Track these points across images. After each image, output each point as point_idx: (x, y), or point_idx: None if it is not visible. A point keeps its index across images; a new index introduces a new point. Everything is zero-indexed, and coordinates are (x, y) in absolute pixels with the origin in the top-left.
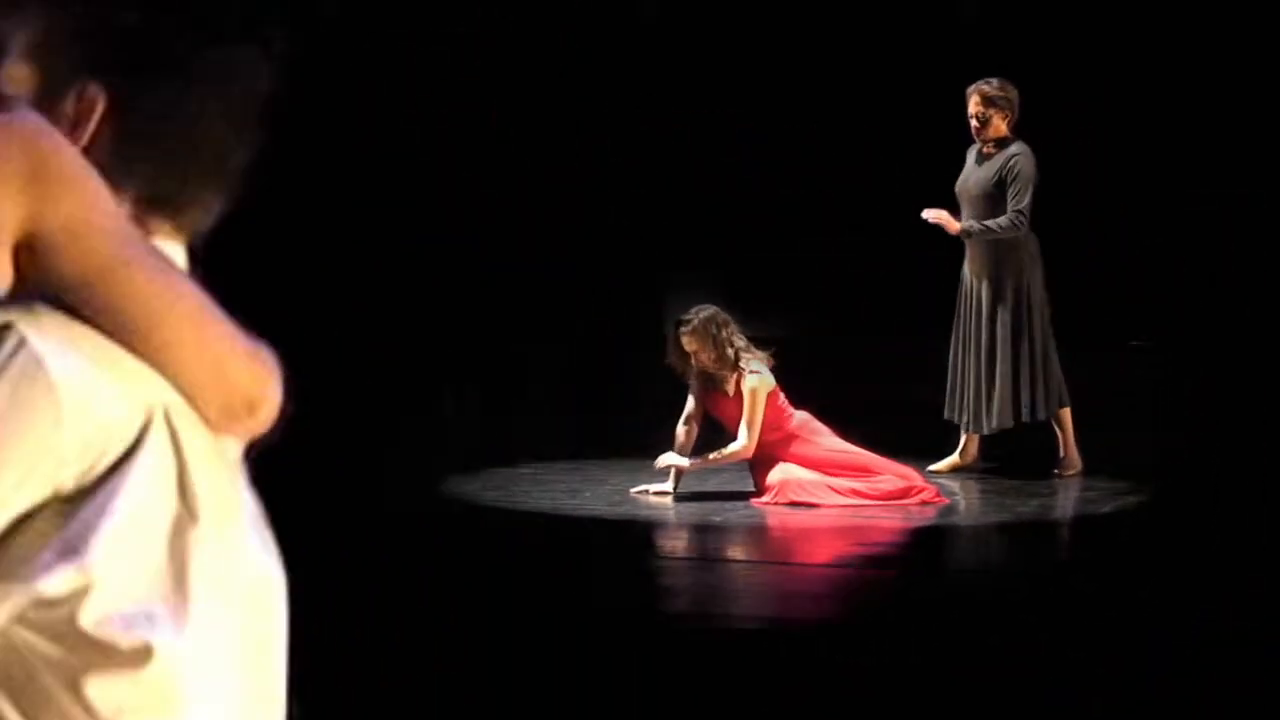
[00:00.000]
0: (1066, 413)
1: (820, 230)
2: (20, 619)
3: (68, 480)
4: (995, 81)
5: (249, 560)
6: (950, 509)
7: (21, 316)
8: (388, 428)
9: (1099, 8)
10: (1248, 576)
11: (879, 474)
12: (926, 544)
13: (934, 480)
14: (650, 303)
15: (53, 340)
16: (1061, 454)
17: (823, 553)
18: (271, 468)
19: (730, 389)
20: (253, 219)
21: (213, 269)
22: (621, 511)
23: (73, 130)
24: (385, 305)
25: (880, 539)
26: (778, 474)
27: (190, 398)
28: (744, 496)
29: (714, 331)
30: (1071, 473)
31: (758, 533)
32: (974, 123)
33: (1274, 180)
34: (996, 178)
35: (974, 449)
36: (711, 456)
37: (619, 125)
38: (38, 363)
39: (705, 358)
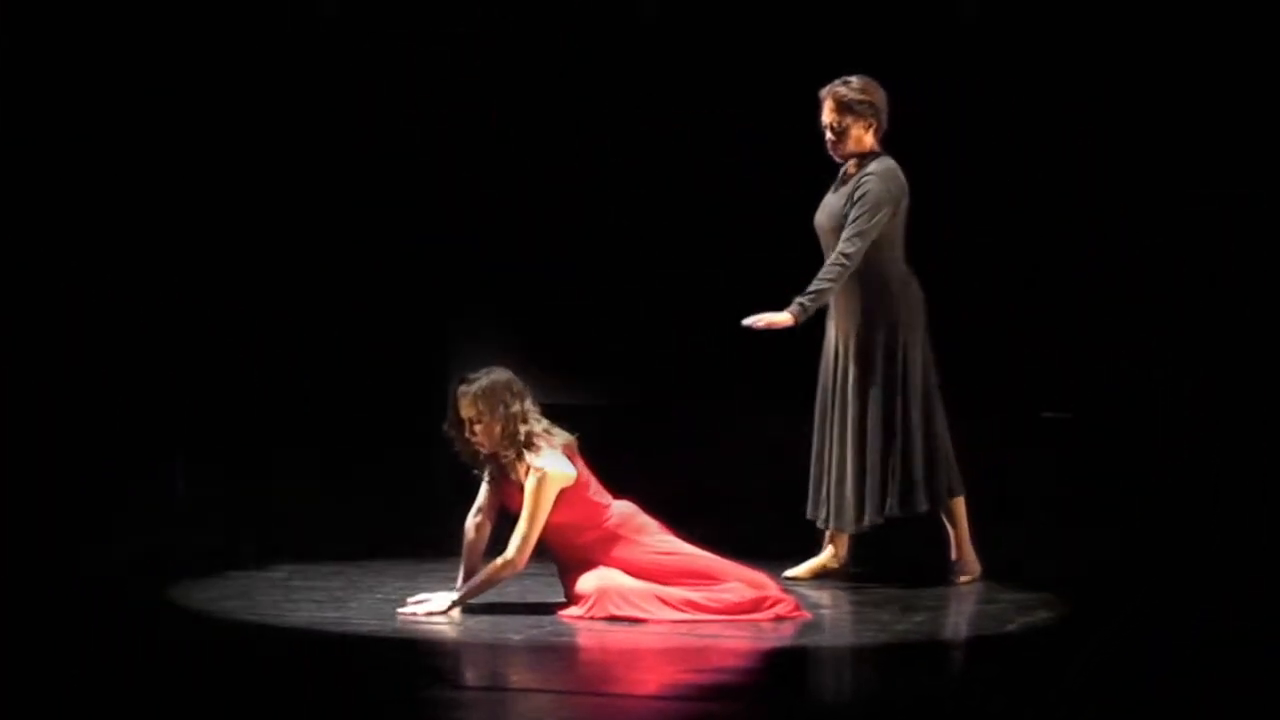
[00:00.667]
0: (960, 503)
1: (644, 270)
2: None
3: None
4: (855, 81)
5: None
6: (812, 626)
7: None
8: (97, 511)
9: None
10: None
11: (722, 581)
12: (781, 670)
13: (792, 589)
14: (439, 354)
15: None
16: (954, 556)
17: (650, 680)
18: None
19: (521, 480)
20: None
21: None
22: (396, 628)
23: None
24: (106, 351)
25: (723, 663)
26: (593, 580)
27: None
28: (551, 609)
29: (504, 401)
30: (967, 579)
31: (567, 655)
32: (828, 135)
33: (1215, 229)
34: (847, 205)
35: (842, 550)
36: (479, 581)
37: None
38: None
39: (485, 433)
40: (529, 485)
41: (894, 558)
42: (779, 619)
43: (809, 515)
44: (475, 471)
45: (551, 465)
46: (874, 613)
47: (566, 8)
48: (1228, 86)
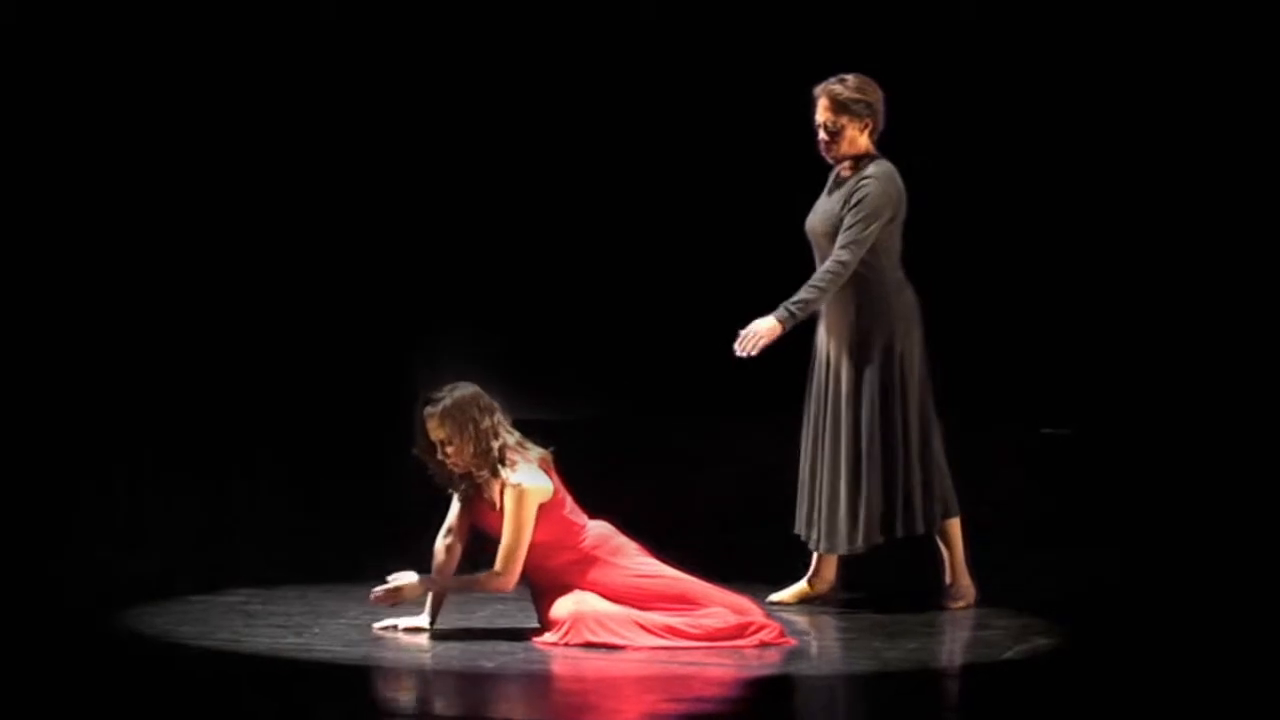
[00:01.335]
0: (955, 525)
1: (623, 276)
2: None
3: None
4: (851, 80)
5: None
6: (798, 653)
7: None
8: (46, 532)
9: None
10: None
11: (704, 606)
12: (767, 700)
13: (777, 615)
14: (408, 368)
15: None
16: (948, 580)
17: (628, 711)
18: None
19: (496, 499)
20: None
21: None
22: (360, 654)
23: None
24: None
25: (705, 693)
26: (569, 605)
27: None
28: (524, 634)
29: (473, 418)
30: (961, 604)
31: (541, 683)
32: (821, 135)
33: (1216, 240)
34: (843, 209)
35: (830, 573)
36: (462, 579)
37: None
38: None
39: (457, 453)
40: (508, 502)
41: (884, 582)
42: (763, 646)
43: (796, 531)
44: (450, 491)
45: (529, 480)
46: (863, 639)
47: (525, 23)
48: (1228, 91)
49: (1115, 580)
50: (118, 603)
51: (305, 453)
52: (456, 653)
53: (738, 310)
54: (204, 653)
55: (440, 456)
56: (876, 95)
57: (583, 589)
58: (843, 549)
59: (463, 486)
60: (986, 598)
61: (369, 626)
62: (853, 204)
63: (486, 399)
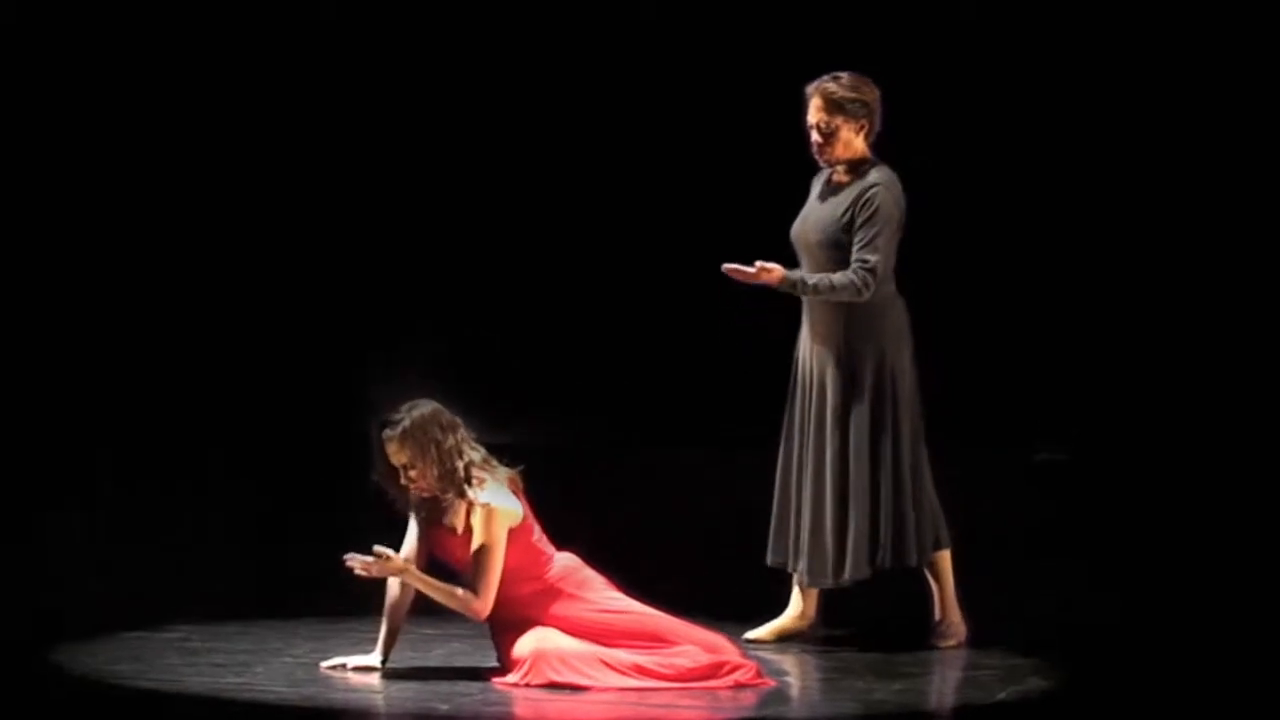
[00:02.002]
0: (945, 557)
1: (594, 291)
2: None
3: None
4: (846, 77)
5: None
6: (777, 695)
7: None
8: None
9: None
10: None
11: (675, 644)
12: None
13: (753, 653)
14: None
15: None
16: (937, 616)
17: None
18: None
19: (459, 522)
20: None
21: None
22: (307, 695)
23: None
24: None
25: None
26: (530, 643)
27: None
28: (483, 674)
29: (435, 438)
30: (951, 643)
31: None
32: (814, 136)
33: (1215, 261)
34: (847, 217)
35: (811, 608)
36: (442, 585)
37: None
38: None
39: (421, 476)
40: (476, 523)
41: (869, 618)
42: (739, 686)
43: (771, 561)
44: (411, 517)
45: (498, 500)
46: (847, 680)
47: (474, 35)
48: (1225, 113)
49: (1113, 617)
50: (46, 638)
51: (252, 480)
52: (410, 694)
53: (710, 332)
54: (137, 694)
55: (403, 481)
56: (873, 95)
57: (545, 624)
58: (827, 582)
59: (423, 514)
60: (978, 635)
61: (316, 665)
62: (865, 215)
63: (448, 415)
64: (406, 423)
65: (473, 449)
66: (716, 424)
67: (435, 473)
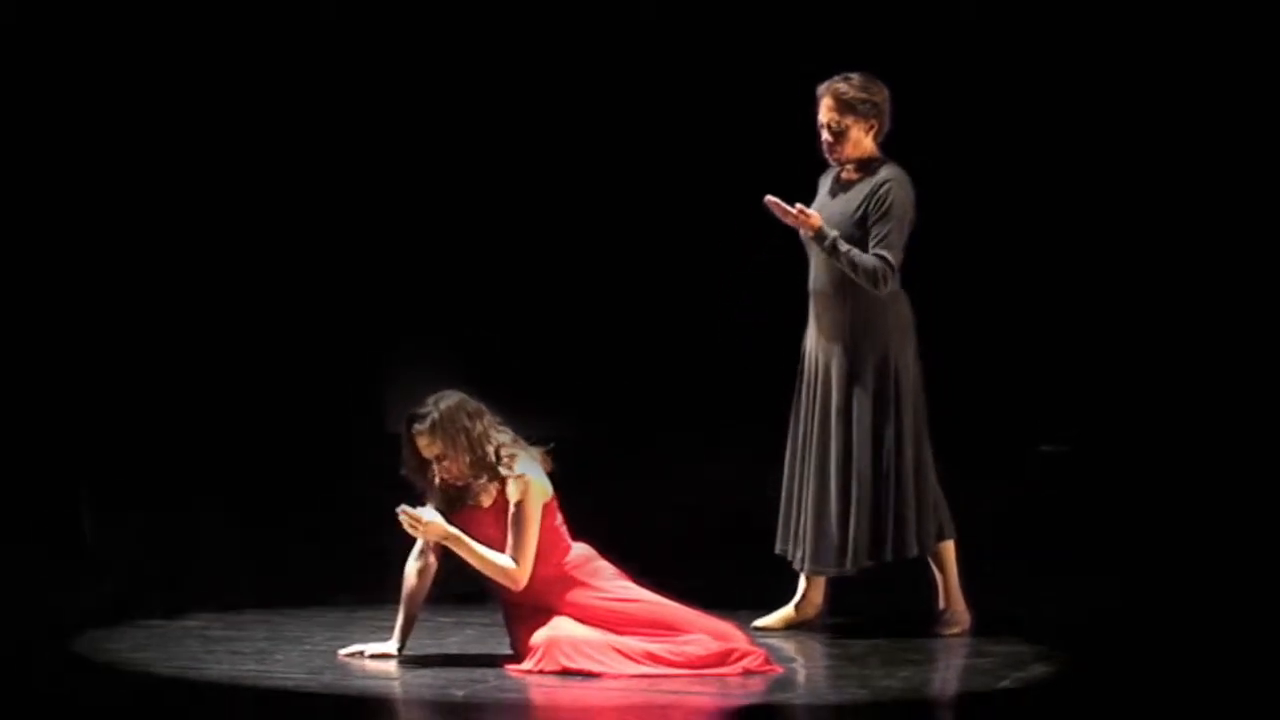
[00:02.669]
0: (949, 548)
1: (603, 288)
2: None
3: None
4: (856, 78)
5: None
6: (785, 681)
7: None
8: None
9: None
10: None
11: (685, 632)
12: None
13: (761, 641)
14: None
15: None
16: (941, 605)
17: None
18: None
19: (487, 500)
20: None
21: None
22: (325, 682)
23: None
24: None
25: None
26: (544, 631)
27: None
28: (498, 661)
29: (464, 426)
30: (955, 631)
31: (514, 713)
32: (825, 135)
33: (1216, 256)
34: (859, 213)
35: (818, 597)
36: (482, 550)
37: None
38: None
39: (454, 466)
40: (512, 494)
41: (875, 607)
42: (748, 673)
43: (778, 550)
44: (430, 505)
45: (533, 472)
46: (853, 667)
47: (479, 34)
48: (1227, 113)
49: (1115, 604)
50: (69, 628)
51: (270, 474)
52: (426, 680)
53: (719, 326)
54: (158, 680)
55: (435, 473)
56: (883, 95)
57: (558, 611)
58: (831, 571)
59: (441, 507)
60: (981, 624)
61: (333, 653)
62: (880, 212)
63: (473, 403)
64: (435, 415)
65: (500, 431)
66: (723, 416)
67: (468, 460)
